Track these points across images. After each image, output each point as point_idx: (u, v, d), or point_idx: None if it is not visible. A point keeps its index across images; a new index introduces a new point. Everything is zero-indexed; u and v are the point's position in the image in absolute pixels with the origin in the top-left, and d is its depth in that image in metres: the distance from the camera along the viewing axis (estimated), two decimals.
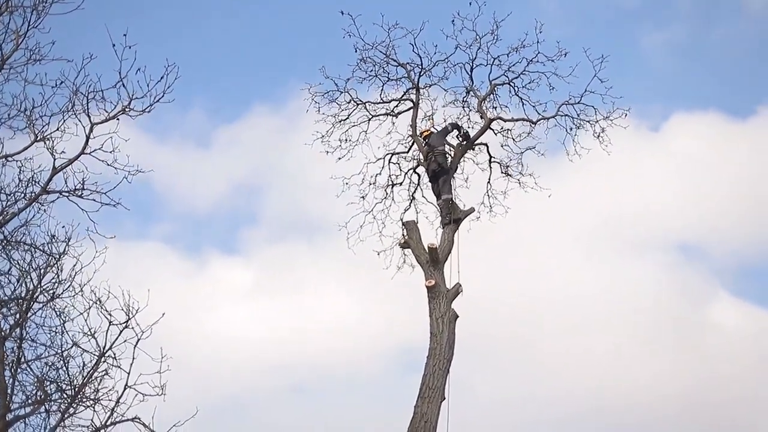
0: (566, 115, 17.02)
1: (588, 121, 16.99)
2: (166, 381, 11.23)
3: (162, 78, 11.45)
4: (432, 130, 16.72)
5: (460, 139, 16.67)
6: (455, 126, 16.71)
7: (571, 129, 17.11)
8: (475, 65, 17.17)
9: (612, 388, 29.77)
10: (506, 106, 17.48)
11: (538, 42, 16.75)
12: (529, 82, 17.11)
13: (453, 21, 16.98)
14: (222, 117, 37.58)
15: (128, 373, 11.36)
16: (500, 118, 17.33)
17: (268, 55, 37.00)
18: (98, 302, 11.83)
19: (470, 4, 16.73)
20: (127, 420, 11.29)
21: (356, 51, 17.32)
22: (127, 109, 11.54)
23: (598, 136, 17.02)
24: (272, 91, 37.70)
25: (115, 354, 11.51)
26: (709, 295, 34.91)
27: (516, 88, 17.21)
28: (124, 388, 11.37)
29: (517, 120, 17.32)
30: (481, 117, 17.05)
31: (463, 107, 17.61)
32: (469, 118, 17.51)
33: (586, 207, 29.65)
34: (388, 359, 31.76)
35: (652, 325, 32.40)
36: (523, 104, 17.25)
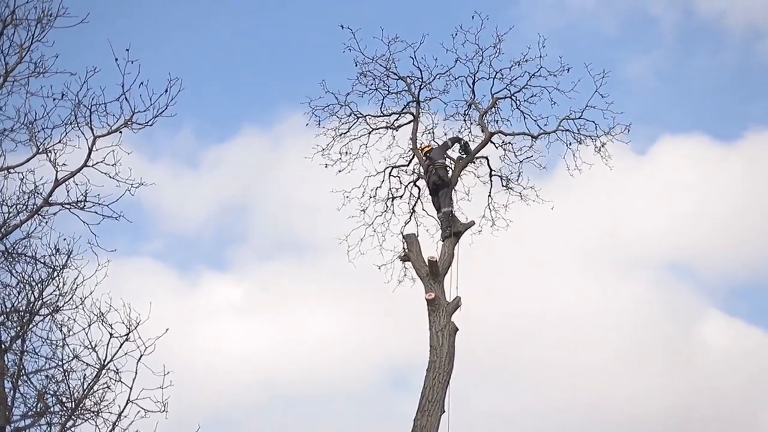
0: (567, 130, 17.10)
1: (589, 136, 17.07)
2: (168, 397, 11.20)
3: (165, 92, 11.50)
4: (432, 145, 16.76)
5: (462, 152, 16.72)
6: (456, 140, 16.75)
7: (571, 144, 17.19)
8: (477, 78, 17.31)
9: (604, 403, 29.88)
10: (507, 120, 17.59)
11: (540, 57, 16.88)
12: (531, 96, 17.23)
13: (454, 35, 17.13)
14: (211, 137, 37.90)
15: (131, 388, 11.31)
16: (501, 132, 17.43)
17: (258, 77, 37.32)
18: (100, 315, 11.84)
19: (473, 17, 16.96)
20: None
21: (356, 65, 17.48)
22: (129, 123, 11.56)
23: (599, 150, 17.08)
24: (261, 112, 38.09)
25: (117, 368, 11.47)
26: (698, 313, 35.17)
27: (518, 102, 17.33)
28: (126, 403, 11.32)
29: (517, 134, 17.40)
30: (482, 130, 17.12)
31: (465, 120, 17.71)
32: (470, 131, 17.61)
33: (578, 226, 29.85)
34: (379, 374, 31.90)
35: (643, 342, 32.66)
36: (524, 118, 17.36)
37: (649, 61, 39.92)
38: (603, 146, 17.09)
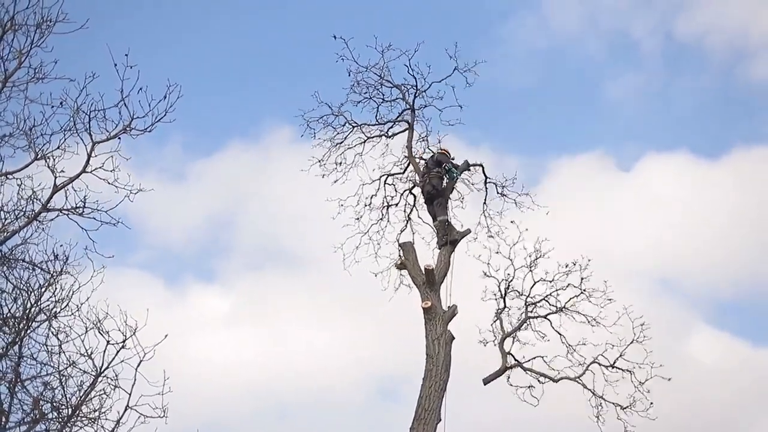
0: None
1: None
2: (167, 403, 11.15)
3: (164, 97, 11.48)
4: (448, 154, 16.74)
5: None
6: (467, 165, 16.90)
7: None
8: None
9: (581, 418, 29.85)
10: None
11: None
12: None
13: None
14: (198, 151, 37.98)
15: (129, 394, 11.25)
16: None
17: (244, 90, 37.56)
18: (96, 322, 11.78)
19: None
20: None
21: (349, 74, 17.52)
22: (128, 129, 11.53)
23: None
24: (248, 126, 38.24)
25: (117, 374, 11.42)
26: (686, 327, 35.35)
27: None
28: (125, 409, 11.26)
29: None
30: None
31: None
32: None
33: (565, 241, 29.94)
34: (368, 385, 31.89)
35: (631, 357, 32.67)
36: None
37: (634, 81, 40.31)
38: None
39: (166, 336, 11.21)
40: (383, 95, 17.66)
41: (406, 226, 17.42)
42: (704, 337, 34.37)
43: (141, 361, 11.25)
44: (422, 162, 17.08)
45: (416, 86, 17.39)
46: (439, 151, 16.87)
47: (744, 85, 39.78)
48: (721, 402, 30.52)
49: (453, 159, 16.55)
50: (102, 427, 11.36)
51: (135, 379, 11.22)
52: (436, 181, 16.22)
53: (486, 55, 17.19)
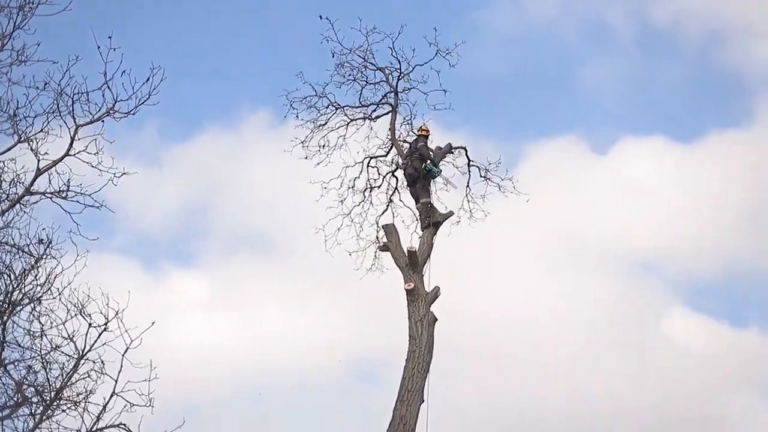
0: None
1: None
2: (153, 391, 11.13)
3: (147, 80, 11.44)
4: (428, 132, 16.78)
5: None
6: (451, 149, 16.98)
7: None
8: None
9: (574, 398, 30.19)
10: None
11: None
12: None
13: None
14: (174, 136, 37.91)
15: (116, 381, 11.24)
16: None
17: (220, 75, 37.34)
18: (79, 305, 11.75)
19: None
20: (113, 426, 11.18)
21: (333, 56, 17.46)
22: (111, 112, 11.49)
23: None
24: (224, 111, 38.07)
25: (97, 358, 11.38)
26: (664, 309, 35.76)
27: None
28: (111, 395, 11.24)
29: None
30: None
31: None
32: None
33: (542, 224, 30.17)
34: (346, 368, 32.10)
35: (610, 338, 33.16)
36: None
37: (610, 67, 40.65)
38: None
39: (153, 323, 11.17)
40: (367, 78, 17.63)
41: (387, 208, 17.44)
42: (682, 320, 34.85)
43: (127, 348, 11.23)
44: (405, 145, 17.10)
45: (400, 69, 17.38)
46: (420, 130, 16.87)
47: (718, 69, 40.26)
48: (699, 383, 31.00)
49: (427, 139, 16.56)
50: (87, 411, 11.34)
51: (121, 366, 11.19)
52: (418, 163, 16.24)
53: (462, 42, 17.18)
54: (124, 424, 11.21)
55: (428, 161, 16.36)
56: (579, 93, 39.23)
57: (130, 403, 11.12)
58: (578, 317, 32.67)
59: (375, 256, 16.93)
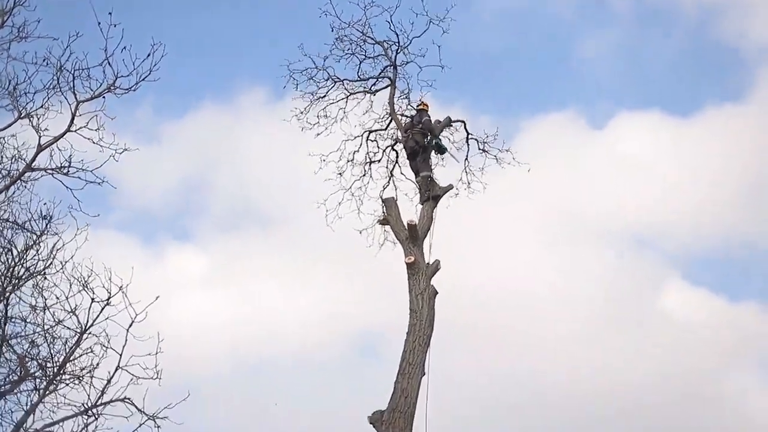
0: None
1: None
2: (160, 364, 11.22)
3: (148, 56, 11.41)
4: (428, 107, 16.76)
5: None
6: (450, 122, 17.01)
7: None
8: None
9: (574, 373, 30.39)
10: None
11: None
12: None
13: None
14: (170, 112, 37.77)
15: (120, 355, 11.31)
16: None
17: (216, 51, 37.11)
18: (81, 279, 11.79)
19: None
20: (118, 400, 11.25)
21: (332, 30, 17.44)
22: (112, 88, 11.47)
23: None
24: (220, 86, 38.01)
25: (107, 333, 11.45)
26: (662, 283, 35.91)
27: None
28: (116, 369, 11.32)
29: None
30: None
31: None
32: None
33: (539, 199, 30.23)
34: (346, 343, 32.26)
35: (608, 313, 33.33)
36: None
37: (605, 41, 40.32)
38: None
39: (157, 297, 11.23)
40: (365, 52, 17.61)
41: (388, 182, 17.48)
42: (680, 294, 35.02)
43: (132, 321, 11.28)
44: (404, 118, 17.09)
45: (398, 43, 17.36)
46: (419, 104, 16.88)
47: (714, 43, 40.02)
48: (697, 357, 31.18)
49: (428, 114, 16.56)
50: (91, 385, 11.41)
51: (126, 340, 11.26)
52: (419, 137, 16.24)
53: (456, 17, 17.18)
54: (129, 398, 11.28)
55: (439, 139, 16.46)
56: (575, 68, 39.25)
57: (136, 377, 11.20)
58: (576, 292, 32.91)
59: (384, 231, 17.01)
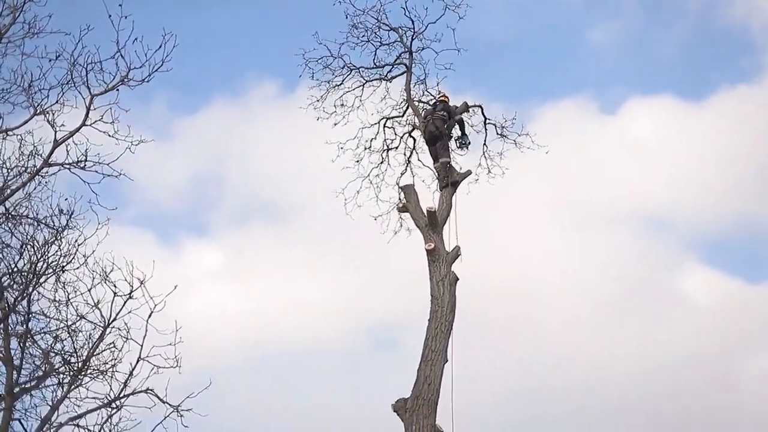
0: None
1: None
2: (180, 353, 11.27)
3: (160, 47, 11.37)
4: (448, 99, 16.68)
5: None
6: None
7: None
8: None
9: (590, 357, 30.30)
10: None
11: None
12: None
13: None
14: (183, 109, 38.04)
15: (141, 346, 11.37)
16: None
17: (227, 46, 37.29)
18: (103, 274, 11.83)
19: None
20: (141, 392, 11.31)
21: (347, 17, 17.40)
22: (126, 80, 11.45)
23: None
24: (231, 81, 38.01)
25: (127, 326, 11.49)
26: (678, 267, 35.79)
27: None
28: (138, 360, 11.38)
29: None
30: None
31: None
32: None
33: (552, 184, 30.13)
34: (362, 335, 32.31)
35: (624, 294, 33.19)
36: None
37: (614, 28, 40.18)
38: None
39: (176, 287, 11.28)
40: (381, 38, 17.54)
41: (406, 169, 17.41)
42: (697, 275, 34.85)
43: (152, 312, 11.34)
44: (421, 104, 17.01)
45: (413, 29, 17.27)
46: (439, 96, 16.80)
47: (723, 27, 39.80)
48: (716, 339, 30.99)
49: (449, 104, 16.50)
50: (114, 378, 11.47)
51: (146, 331, 11.31)
52: (440, 123, 16.15)
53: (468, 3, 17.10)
54: (152, 389, 11.34)
55: (466, 136, 16.54)
56: (585, 55, 39.13)
57: (157, 366, 11.24)
58: (591, 277, 32.80)
59: (400, 218, 16.95)
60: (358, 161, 17.50)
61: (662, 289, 34.21)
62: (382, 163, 17.49)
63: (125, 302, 11.70)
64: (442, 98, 16.62)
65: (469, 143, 16.78)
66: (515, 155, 17.49)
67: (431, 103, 17.04)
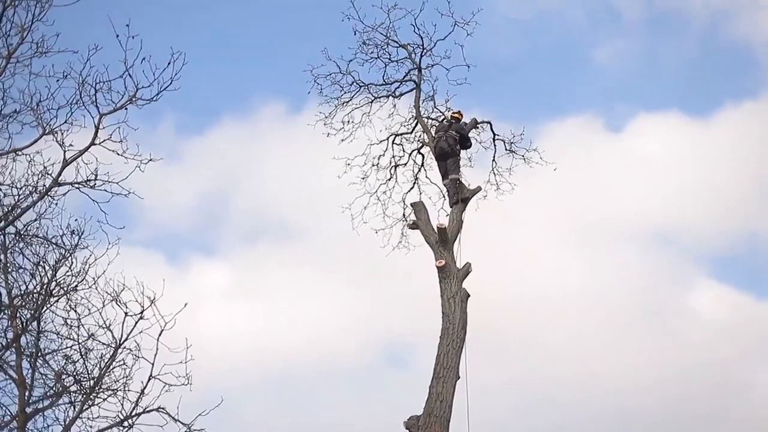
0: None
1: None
2: (190, 370, 11.26)
3: (168, 65, 11.37)
4: (461, 116, 16.71)
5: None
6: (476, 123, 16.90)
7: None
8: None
9: (598, 375, 30.21)
10: None
11: None
12: None
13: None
14: (191, 130, 38.54)
15: (152, 364, 11.36)
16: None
17: (233, 66, 37.72)
18: (114, 294, 11.82)
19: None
20: (153, 410, 11.28)
21: (355, 34, 17.42)
22: (134, 99, 11.43)
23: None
24: (238, 103, 38.35)
25: (138, 345, 11.48)
26: (687, 282, 35.70)
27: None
28: (149, 379, 11.37)
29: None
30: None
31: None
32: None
33: (561, 201, 30.15)
34: (373, 352, 32.32)
35: (635, 311, 33.13)
36: None
37: (619, 47, 40.50)
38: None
39: (186, 305, 11.26)
40: (390, 55, 17.58)
41: (413, 186, 17.42)
42: (707, 292, 34.74)
43: (162, 330, 11.33)
44: (430, 121, 17.00)
45: (422, 45, 17.30)
46: (452, 114, 16.80)
47: (728, 44, 40.03)
48: (726, 353, 30.86)
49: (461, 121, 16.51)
50: (125, 397, 11.45)
51: (157, 349, 11.30)
52: (452, 141, 16.12)
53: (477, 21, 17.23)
54: (163, 407, 11.31)
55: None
56: (591, 73, 39.45)
57: (168, 385, 11.20)
58: (601, 293, 32.80)
59: (402, 233, 16.91)
60: (364, 177, 17.51)
61: (671, 305, 34.22)
62: (389, 179, 17.50)
63: (136, 323, 11.71)
64: (456, 115, 16.61)
65: (470, 145, 16.73)
66: (523, 172, 17.52)
67: (442, 120, 17.03)
